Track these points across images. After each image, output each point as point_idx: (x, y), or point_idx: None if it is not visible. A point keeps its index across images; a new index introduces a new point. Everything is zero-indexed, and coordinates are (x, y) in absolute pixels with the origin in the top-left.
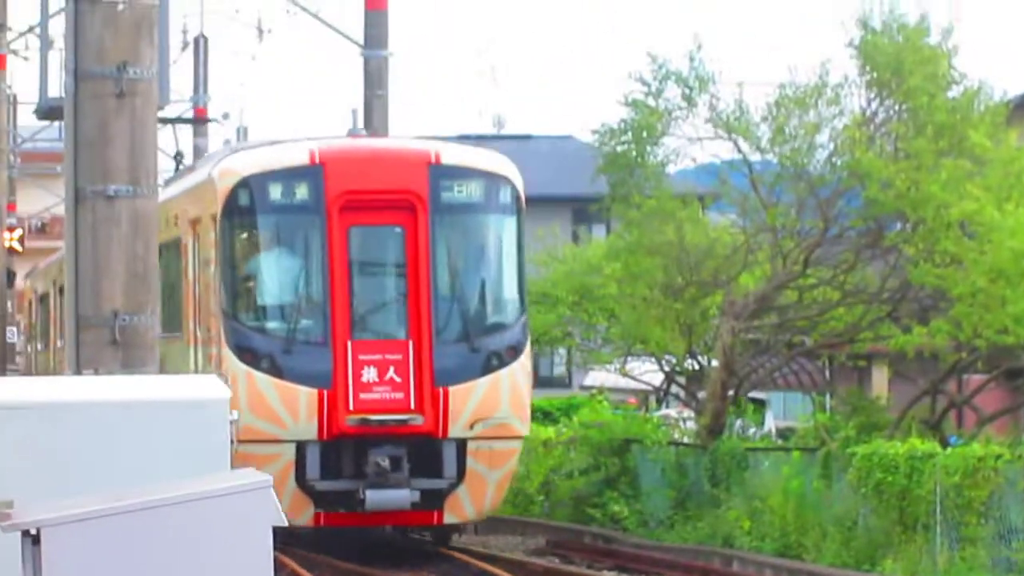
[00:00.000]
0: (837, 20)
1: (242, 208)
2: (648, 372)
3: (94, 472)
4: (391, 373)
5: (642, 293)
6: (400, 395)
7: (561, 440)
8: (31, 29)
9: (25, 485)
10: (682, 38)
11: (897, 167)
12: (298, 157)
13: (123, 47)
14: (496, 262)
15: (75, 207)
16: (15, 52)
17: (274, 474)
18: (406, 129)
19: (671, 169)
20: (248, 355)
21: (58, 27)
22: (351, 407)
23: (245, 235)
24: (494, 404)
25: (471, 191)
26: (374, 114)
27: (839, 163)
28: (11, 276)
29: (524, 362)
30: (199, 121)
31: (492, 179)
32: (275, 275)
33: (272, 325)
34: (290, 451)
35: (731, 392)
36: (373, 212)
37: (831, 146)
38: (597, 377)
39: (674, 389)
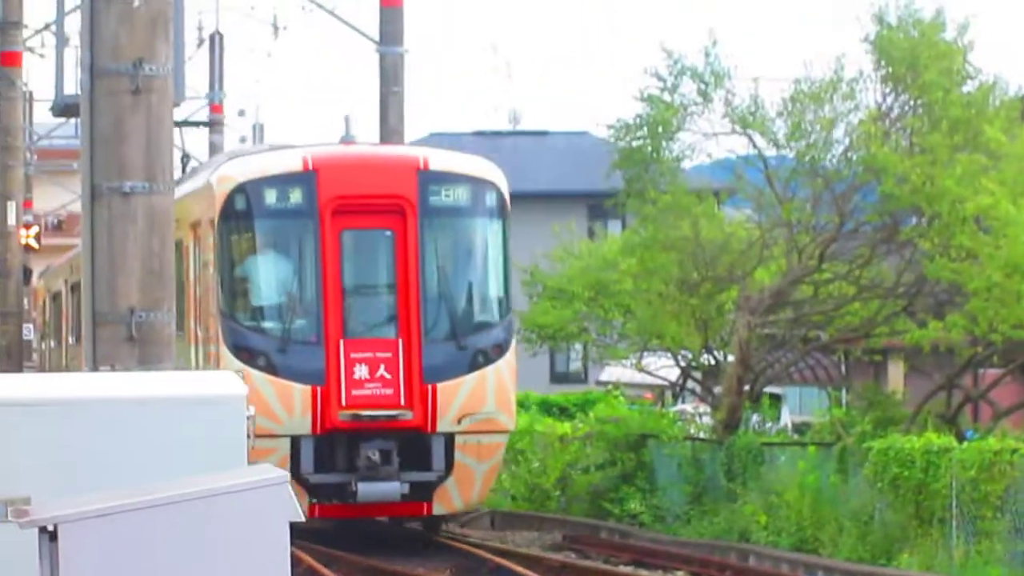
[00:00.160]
0: (851, 16)
1: (239, 212)
2: (664, 367)
3: (111, 468)
4: (382, 371)
5: (658, 288)
6: (390, 392)
7: (577, 435)
8: (47, 26)
9: (42, 481)
10: (697, 33)
11: (912, 162)
12: (292, 164)
13: (138, 44)
14: (482, 264)
15: (91, 204)
16: (31, 49)
17: None
18: (422, 126)
19: (687, 164)
20: (245, 354)
21: (74, 24)
22: (343, 403)
23: (242, 238)
24: (481, 400)
25: (458, 195)
26: (390, 111)
27: (854, 158)
28: (28, 273)
29: (510, 359)
30: (207, 124)
31: (478, 184)
32: (270, 277)
33: (268, 325)
34: (285, 446)
35: (747, 387)
36: (364, 216)
37: (846, 141)
38: (613, 372)
39: (690, 384)
